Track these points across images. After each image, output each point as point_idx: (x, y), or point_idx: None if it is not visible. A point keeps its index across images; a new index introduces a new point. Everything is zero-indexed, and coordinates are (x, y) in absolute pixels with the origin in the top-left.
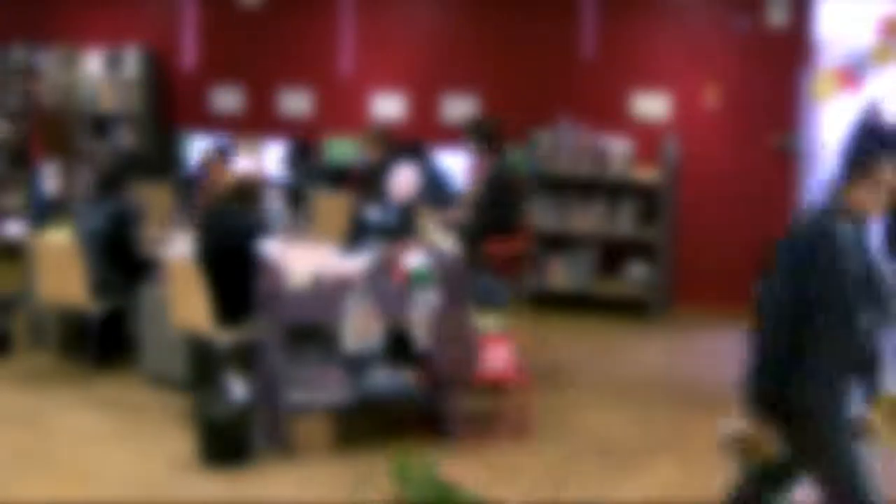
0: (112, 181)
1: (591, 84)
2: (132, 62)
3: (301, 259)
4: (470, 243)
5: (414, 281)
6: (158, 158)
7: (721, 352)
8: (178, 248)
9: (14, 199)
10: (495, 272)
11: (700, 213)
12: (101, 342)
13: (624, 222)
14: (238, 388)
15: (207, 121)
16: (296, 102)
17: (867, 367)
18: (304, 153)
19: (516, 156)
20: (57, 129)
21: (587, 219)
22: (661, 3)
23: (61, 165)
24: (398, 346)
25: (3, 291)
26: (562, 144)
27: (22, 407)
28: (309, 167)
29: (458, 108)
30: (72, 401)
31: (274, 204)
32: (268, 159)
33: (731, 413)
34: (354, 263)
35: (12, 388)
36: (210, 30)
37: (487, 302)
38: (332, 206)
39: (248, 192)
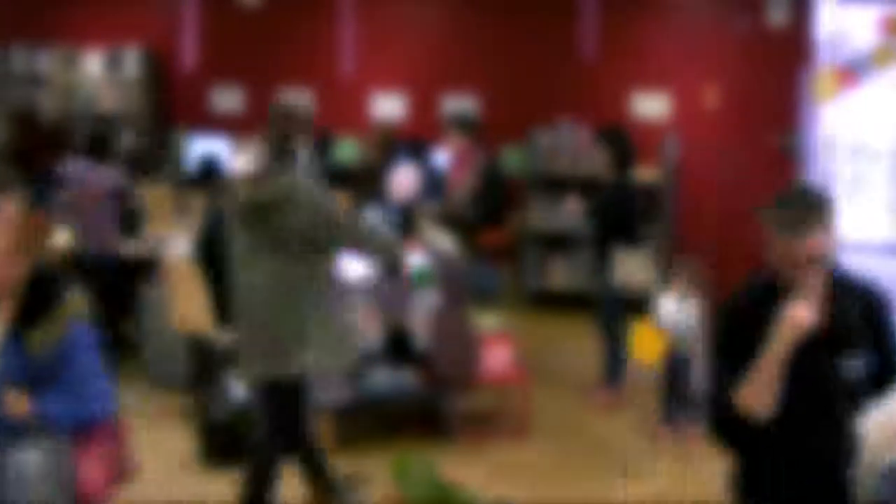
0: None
1: (591, 84)
2: (132, 62)
3: None
4: (465, 235)
5: (414, 281)
6: (158, 158)
7: None
8: (178, 248)
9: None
10: (489, 262)
11: (700, 213)
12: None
13: None
14: (238, 388)
15: (207, 121)
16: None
17: None
18: (321, 152)
19: (513, 155)
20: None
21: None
22: (661, 3)
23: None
24: (398, 346)
25: None
26: (562, 144)
27: None
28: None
29: (458, 108)
30: None
31: None
32: None
33: None
34: (355, 264)
35: None
36: (210, 30)
37: (480, 291)
38: None
39: None
